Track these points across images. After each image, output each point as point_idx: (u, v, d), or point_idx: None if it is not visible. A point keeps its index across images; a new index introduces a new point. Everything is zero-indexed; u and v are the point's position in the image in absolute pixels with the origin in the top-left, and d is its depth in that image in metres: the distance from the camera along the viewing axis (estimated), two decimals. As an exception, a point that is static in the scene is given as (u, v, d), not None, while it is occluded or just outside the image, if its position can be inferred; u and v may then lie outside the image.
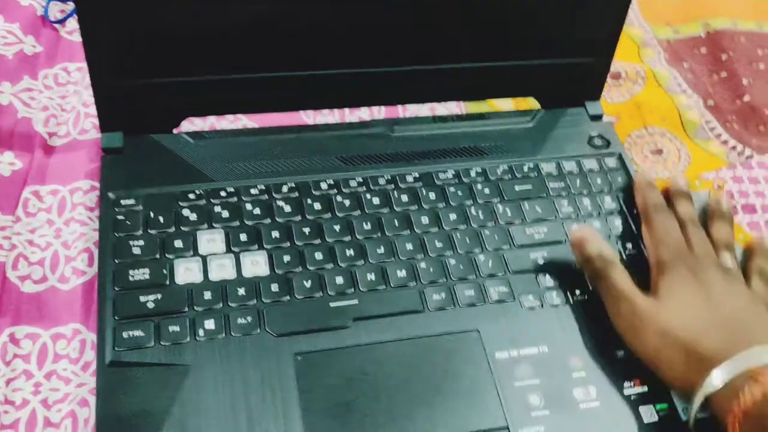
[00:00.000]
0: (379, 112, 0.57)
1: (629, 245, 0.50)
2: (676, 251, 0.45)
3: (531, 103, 0.58)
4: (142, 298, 0.43)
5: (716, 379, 0.38)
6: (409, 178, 0.51)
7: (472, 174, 0.52)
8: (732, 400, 0.37)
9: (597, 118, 0.57)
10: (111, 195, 0.47)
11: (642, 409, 0.42)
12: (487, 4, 0.51)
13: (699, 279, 0.43)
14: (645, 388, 0.43)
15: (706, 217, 0.49)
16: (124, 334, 0.41)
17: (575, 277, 0.47)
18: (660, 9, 0.69)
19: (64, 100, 0.55)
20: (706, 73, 0.64)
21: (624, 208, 0.51)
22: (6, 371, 0.41)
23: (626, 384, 0.43)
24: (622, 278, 0.44)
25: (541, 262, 0.48)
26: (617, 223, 0.51)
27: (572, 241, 0.47)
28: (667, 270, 0.44)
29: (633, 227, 0.50)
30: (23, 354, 0.42)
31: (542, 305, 0.46)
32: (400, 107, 0.58)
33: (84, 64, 0.56)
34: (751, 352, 0.38)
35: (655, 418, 0.42)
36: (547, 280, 0.47)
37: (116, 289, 0.43)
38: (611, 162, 0.54)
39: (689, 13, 0.69)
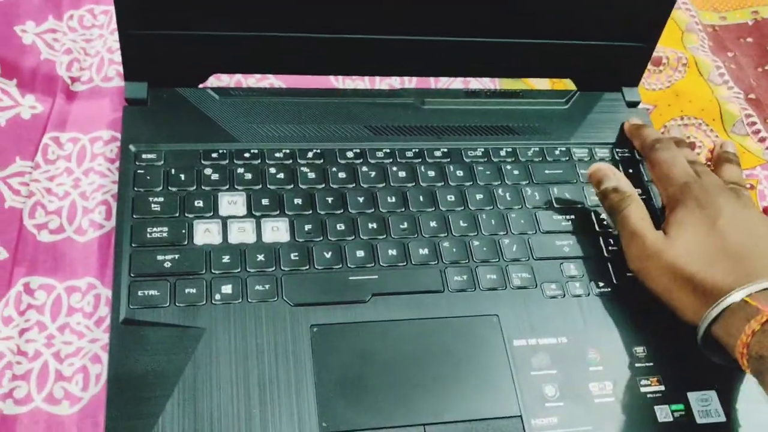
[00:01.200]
0: (410, 81, 0.56)
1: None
2: (684, 182, 0.45)
3: (567, 83, 0.56)
4: (159, 257, 0.42)
5: (716, 310, 0.38)
6: (437, 153, 0.49)
7: (502, 153, 0.50)
8: (735, 332, 0.37)
9: (634, 104, 0.55)
10: (132, 148, 0.46)
11: (657, 408, 0.42)
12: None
13: (708, 210, 0.43)
14: (662, 388, 0.42)
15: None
16: (140, 293, 0.41)
17: (600, 269, 0.46)
18: (707, -7, 0.67)
19: (89, 44, 0.53)
20: (751, 65, 0.61)
21: (653, 200, 0.50)
22: (20, 321, 0.40)
23: (643, 382, 0.42)
24: (636, 213, 0.44)
25: (566, 250, 0.47)
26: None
27: (589, 174, 0.47)
28: (677, 204, 0.44)
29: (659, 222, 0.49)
30: (37, 305, 0.41)
31: (564, 295, 0.45)
32: (432, 78, 0.56)
33: (110, 7, 0.55)
34: (752, 287, 0.38)
35: (670, 419, 0.41)
36: (571, 270, 0.46)
37: (133, 245, 0.42)
38: (645, 151, 0.52)
39: (738, -1, 0.66)
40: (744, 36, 0.64)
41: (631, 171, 0.51)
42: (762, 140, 0.56)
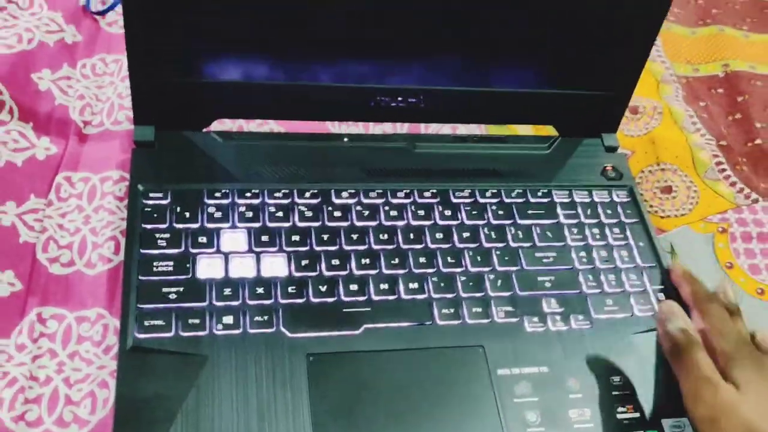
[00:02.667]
0: (402, 126, 0.59)
1: (632, 276, 0.51)
2: (737, 342, 0.45)
3: (549, 129, 0.59)
4: (165, 289, 0.45)
5: None
6: (427, 194, 0.53)
7: (487, 195, 0.53)
8: None
9: (612, 150, 0.58)
10: (140, 187, 0.49)
11: (633, 434, 0.44)
12: (515, 35, 0.53)
13: (764, 373, 0.43)
14: (637, 415, 0.45)
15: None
16: (146, 322, 0.43)
17: (579, 304, 0.49)
18: (682, 46, 0.71)
19: (100, 90, 0.57)
20: (722, 114, 0.65)
21: (630, 240, 0.53)
22: (32, 348, 0.43)
23: (620, 409, 0.45)
24: (705, 360, 0.44)
25: (547, 285, 0.50)
26: (623, 254, 0.52)
27: (657, 314, 0.48)
28: (735, 361, 0.44)
29: (638, 259, 0.52)
30: (49, 333, 0.44)
31: (545, 328, 0.48)
32: (422, 123, 0.59)
33: (121, 56, 0.59)
34: None
35: (645, 445, 0.44)
36: (552, 305, 0.49)
37: (141, 278, 0.45)
38: (622, 195, 0.56)
39: (710, 53, 0.71)
40: (715, 87, 0.68)
41: (608, 212, 0.55)
42: (732, 185, 0.60)
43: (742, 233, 0.56)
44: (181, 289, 0.45)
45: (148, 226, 0.47)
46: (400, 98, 0.54)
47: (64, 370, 0.43)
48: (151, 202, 0.48)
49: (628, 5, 0.52)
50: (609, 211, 0.55)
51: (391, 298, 0.47)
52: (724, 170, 0.60)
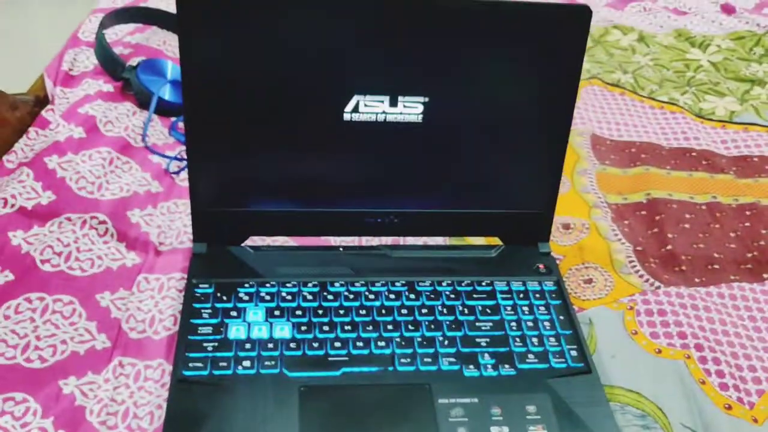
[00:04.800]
0: (386, 239, 0.80)
1: (552, 340, 0.68)
2: None
3: (496, 240, 0.79)
4: (205, 344, 0.65)
5: None
6: (398, 284, 0.72)
7: (444, 284, 0.72)
8: None
9: (545, 254, 0.77)
10: (194, 281, 0.70)
11: (539, 445, 0.59)
12: (467, 178, 0.74)
13: None
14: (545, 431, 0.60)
15: None
16: (190, 365, 0.63)
17: (507, 357, 0.66)
18: (614, 183, 0.91)
19: (172, 223, 0.80)
20: (642, 230, 0.83)
21: (553, 315, 0.70)
22: (114, 381, 0.63)
23: (531, 427, 0.60)
24: None
25: (484, 345, 0.67)
26: (546, 324, 0.69)
27: None
28: None
29: (558, 328, 0.69)
30: (126, 374, 0.64)
31: (480, 374, 0.64)
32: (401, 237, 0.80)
33: (186, 200, 0.83)
34: None
35: (548, 452, 0.59)
36: (486, 357, 0.66)
37: (189, 337, 0.65)
38: (550, 284, 0.73)
39: (637, 186, 0.90)
40: (639, 210, 0.86)
41: (537, 296, 0.72)
42: (641, 276, 0.76)
43: (645, 309, 0.73)
44: (216, 344, 0.65)
45: (197, 306, 0.68)
46: (382, 219, 0.76)
47: (134, 396, 0.62)
48: (200, 290, 0.70)
49: (535, 163, 0.74)
50: (538, 295, 0.72)
51: (364, 352, 0.65)
52: (635, 266, 0.78)
